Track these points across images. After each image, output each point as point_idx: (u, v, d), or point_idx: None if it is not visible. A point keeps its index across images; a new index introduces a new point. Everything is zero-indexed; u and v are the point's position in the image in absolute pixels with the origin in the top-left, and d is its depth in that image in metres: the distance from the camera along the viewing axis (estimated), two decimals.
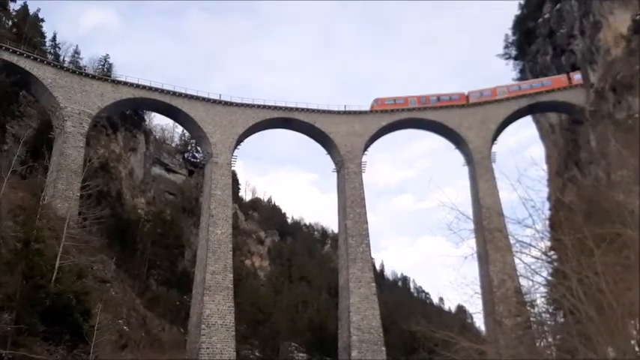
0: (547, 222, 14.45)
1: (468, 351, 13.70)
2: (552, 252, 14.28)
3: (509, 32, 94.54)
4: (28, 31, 74.45)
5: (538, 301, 16.69)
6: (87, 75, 67.93)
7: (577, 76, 72.48)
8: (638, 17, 64.18)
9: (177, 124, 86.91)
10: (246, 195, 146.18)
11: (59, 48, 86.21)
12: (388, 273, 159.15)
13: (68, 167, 59.59)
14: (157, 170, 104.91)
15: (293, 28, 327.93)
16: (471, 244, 15.05)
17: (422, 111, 73.56)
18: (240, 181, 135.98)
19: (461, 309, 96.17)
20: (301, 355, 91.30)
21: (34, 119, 71.81)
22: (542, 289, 15.23)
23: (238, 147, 70.40)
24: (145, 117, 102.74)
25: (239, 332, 65.69)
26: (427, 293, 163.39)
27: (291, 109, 71.51)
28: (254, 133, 73.32)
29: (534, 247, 13.93)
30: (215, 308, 59.00)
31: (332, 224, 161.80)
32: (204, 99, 69.61)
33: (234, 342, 59.22)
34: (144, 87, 67.37)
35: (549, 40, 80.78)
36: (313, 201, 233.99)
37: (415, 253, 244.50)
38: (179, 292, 78.61)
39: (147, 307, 63.26)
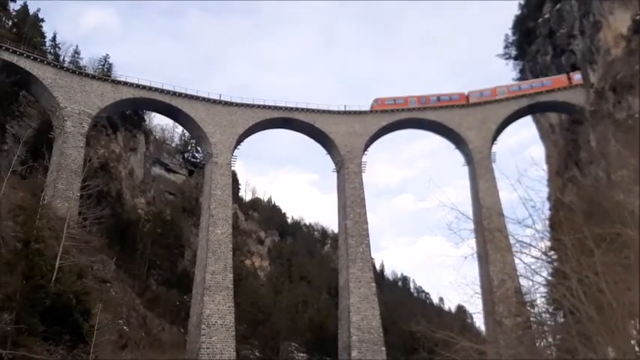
0: (547, 222, 14.46)
1: (468, 351, 13.69)
2: (552, 252, 14.28)
3: (509, 32, 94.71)
4: (28, 31, 74.46)
5: (538, 301, 16.71)
6: (87, 75, 67.94)
7: (577, 76, 72.47)
8: (638, 17, 64.18)
9: (177, 124, 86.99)
10: (246, 195, 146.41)
11: (59, 48, 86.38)
12: (388, 273, 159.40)
13: (68, 167, 59.60)
14: (157, 170, 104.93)
15: (293, 28, 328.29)
16: (470, 244, 15.06)
17: (422, 111, 73.56)
18: (240, 181, 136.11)
19: (461, 309, 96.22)
20: (301, 355, 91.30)
21: (34, 119, 71.81)
22: (542, 289, 15.24)
23: (238, 147, 70.46)
24: (145, 117, 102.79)
25: (239, 332, 65.69)
26: (427, 293, 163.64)
27: (291, 109, 71.51)
28: (254, 133, 73.34)
29: (534, 247, 13.94)
30: (215, 308, 59.00)
31: (332, 224, 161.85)
32: (204, 99, 69.61)
33: (234, 342, 59.22)
34: (144, 87, 67.37)
35: (549, 40, 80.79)
36: (313, 201, 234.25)
37: (415, 253, 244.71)
38: (179, 292, 78.61)
39: (147, 307, 63.26)
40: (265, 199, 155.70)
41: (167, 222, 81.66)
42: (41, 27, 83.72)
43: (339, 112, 73.28)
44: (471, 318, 53.46)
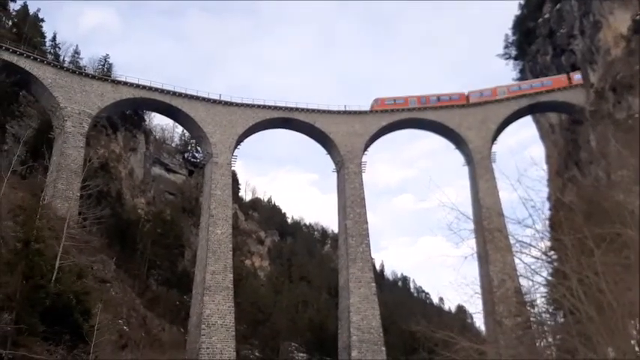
0: (547, 222, 14.45)
1: (468, 351, 13.69)
2: (552, 252, 14.28)
3: (509, 32, 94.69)
4: (28, 31, 74.45)
5: (538, 301, 16.70)
6: (87, 75, 67.94)
7: (577, 76, 72.46)
8: (638, 17, 64.16)
9: (177, 124, 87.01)
10: (246, 195, 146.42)
11: (59, 48, 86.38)
12: (388, 273, 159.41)
13: (68, 167, 59.60)
14: (156, 170, 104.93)
15: (293, 28, 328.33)
16: (471, 244, 15.05)
17: (422, 111, 73.56)
18: (240, 181, 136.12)
19: (461, 309, 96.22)
20: (301, 355, 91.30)
21: (34, 119, 71.80)
22: (542, 289, 15.24)
23: (238, 147, 70.46)
24: (145, 117, 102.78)
25: (239, 332, 65.69)
26: (427, 293, 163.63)
27: (291, 109, 71.51)
28: (254, 133, 73.34)
29: (534, 247, 13.94)
30: (215, 308, 59.01)
31: (332, 224, 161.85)
32: (204, 99, 69.62)
33: (234, 342, 59.22)
34: (144, 87, 67.37)
35: (549, 40, 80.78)
36: (313, 201, 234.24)
37: (415, 253, 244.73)
38: (179, 292, 78.62)
39: (147, 307, 63.26)
40: (265, 199, 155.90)
41: (167, 222, 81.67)
42: (41, 27, 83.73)
43: (339, 112, 73.27)
44: (471, 318, 53.55)
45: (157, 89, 67.55)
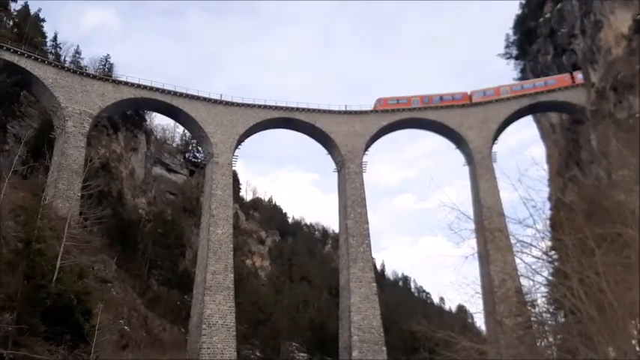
0: (548, 222, 14.44)
1: (469, 351, 13.69)
2: (553, 252, 14.27)
3: (510, 32, 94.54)
4: (29, 31, 74.49)
5: (539, 301, 16.66)
6: (88, 75, 68.00)
7: (580, 76, 72.37)
8: (639, 17, 64.09)
9: (178, 124, 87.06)
10: (246, 195, 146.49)
11: (60, 48, 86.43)
12: (389, 273, 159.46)
13: (69, 167, 59.65)
14: (157, 170, 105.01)
15: (293, 28, 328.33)
16: (471, 244, 15.04)
17: (422, 111, 73.54)
18: (240, 181, 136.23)
19: (461, 309, 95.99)
20: (302, 355, 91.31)
21: (35, 119, 71.85)
22: (543, 289, 15.20)
23: (239, 147, 70.50)
24: (146, 117, 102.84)
25: (240, 332, 65.73)
26: (428, 293, 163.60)
27: (291, 109, 71.53)
28: (255, 133, 73.37)
29: (535, 246, 13.92)
30: (216, 308, 59.03)
31: (333, 224, 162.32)
32: (205, 99, 69.65)
33: (235, 342, 59.25)
34: (145, 87, 67.42)
35: (550, 39, 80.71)
36: (314, 201, 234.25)
37: (416, 253, 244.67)
38: (180, 292, 78.68)
39: (148, 307, 63.29)
40: (266, 199, 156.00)
41: (168, 222, 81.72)
42: (42, 27, 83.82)
43: (339, 112, 73.28)
44: (472, 318, 53.49)
45: (157, 89, 67.60)
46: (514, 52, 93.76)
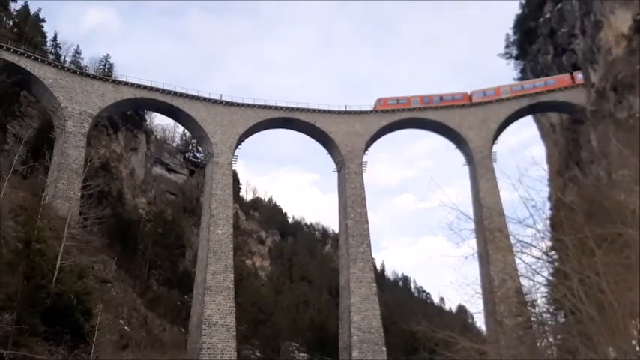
0: (548, 222, 14.44)
1: (469, 351, 13.68)
2: (553, 252, 14.26)
3: (510, 32, 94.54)
4: (29, 31, 74.49)
5: (539, 301, 16.66)
6: (88, 75, 68.00)
7: (580, 76, 72.36)
8: (639, 17, 64.09)
9: (178, 124, 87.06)
10: (246, 195, 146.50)
11: (60, 48, 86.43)
12: (389, 273, 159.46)
13: (69, 167, 59.65)
14: (157, 170, 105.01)
15: (293, 28, 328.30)
16: (471, 244, 15.03)
17: (422, 111, 73.55)
18: (240, 181, 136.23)
19: (461, 309, 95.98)
20: (302, 354, 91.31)
21: (35, 119, 71.85)
22: (543, 289, 15.20)
23: (239, 147, 70.51)
24: (146, 117, 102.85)
25: (240, 332, 65.73)
26: (428, 293, 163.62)
27: (291, 109, 71.53)
28: (255, 133, 73.37)
29: (535, 246, 13.92)
30: (216, 308, 59.03)
31: (333, 224, 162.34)
32: (205, 99, 69.66)
33: (235, 342, 59.25)
34: (145, 87, 67.42)
35: (550, 39, 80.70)
36: (314, 201, 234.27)
37: (416, 253, 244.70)
38: (180, 292, 78.68)
39: (148, 307, 63.29)
40: (266, 199, 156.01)
41: (168, 222, 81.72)
42: (42, 27, 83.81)
43: (339, 112, 73.28)
44: (472, 318, 53.49)
45: (157, 89, 67.61)
46: (514, 52, 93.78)
